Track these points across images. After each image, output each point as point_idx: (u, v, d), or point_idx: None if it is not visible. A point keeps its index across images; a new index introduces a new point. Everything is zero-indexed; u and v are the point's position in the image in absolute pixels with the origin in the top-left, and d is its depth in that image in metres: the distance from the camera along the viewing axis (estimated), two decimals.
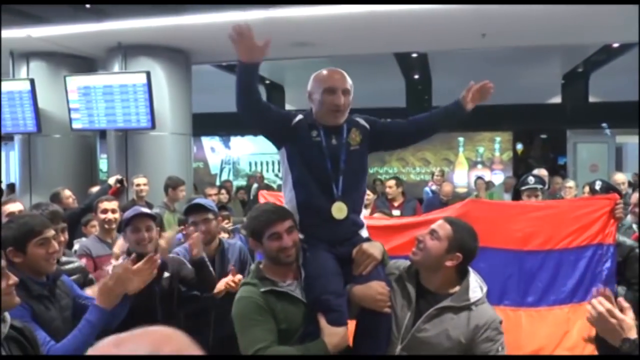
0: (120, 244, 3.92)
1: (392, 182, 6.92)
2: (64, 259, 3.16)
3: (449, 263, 2.35)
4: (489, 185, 10.79)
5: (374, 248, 2.48)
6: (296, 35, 6.79)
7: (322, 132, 2.51)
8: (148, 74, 6.80)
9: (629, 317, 1.86)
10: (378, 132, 2.62)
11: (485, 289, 2.41)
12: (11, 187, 9.53)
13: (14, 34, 6.65)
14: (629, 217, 4.19)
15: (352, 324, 2.48)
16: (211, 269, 3.38)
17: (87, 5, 7.21)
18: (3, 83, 7.42)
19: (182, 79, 7.58)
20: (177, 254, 3.56)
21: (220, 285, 3.35)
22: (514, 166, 14.71)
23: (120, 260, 3.34)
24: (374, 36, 6.84)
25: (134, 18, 6.39)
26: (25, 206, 4.62)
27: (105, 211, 4.28)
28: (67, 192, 6.18)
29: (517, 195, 9.51)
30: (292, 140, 2.51)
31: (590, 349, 2.86)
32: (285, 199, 2.59)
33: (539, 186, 4.74)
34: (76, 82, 7.10)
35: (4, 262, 2.01)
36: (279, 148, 2.58)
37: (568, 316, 3.15)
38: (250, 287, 2.38)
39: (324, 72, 2.54)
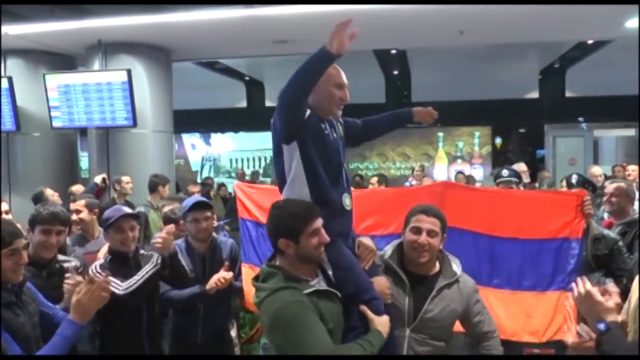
0: (104, 250, 3.99)
1: (374, 180, 6.98)
2: (61, 257, 3.19)
3: (441, 246, 2.70)
4: (469, 179, 10.91)
5: (370, 242, 2.63)
6: (276, 33, 6.84)
7: (328, 126, 2.55)
8: (129, 71, 6.79)
9: (610, 302, 1.94)
10: (350, 124, 2.78)
11: (456, 258, 2.76)
12: None
13: None
14: (602, 208, 4.34)
15: None
16: (184, 263, 3.43)
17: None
18: None
19: (162, 76, 7.58)
20: (177, 246, 3.60)
21: (212, 282, 3.43)
22: (493, 160, 14.89)
23: (102, 260, 3.38)
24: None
25: (114, 16, 6.37)
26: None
27: (78, 211, 4.35)
28: (50, 191, 6.19)
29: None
30: (306, 134, 2.45)
31: (550, 335, 3.24)
32: (293, 194, 2.47)
33: (514, 179, 4.88)
34: (56, 80, 7.06)
35: None
36: (288, 142, 2.45)
37: (531, 302, 3.32)
38: (291, 291, 2.21)
39: (338, 68, 2.58)
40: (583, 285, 1.97)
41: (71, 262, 3.27)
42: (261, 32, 6.79)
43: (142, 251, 3.46)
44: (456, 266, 2.71)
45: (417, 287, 2.62)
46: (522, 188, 5.03)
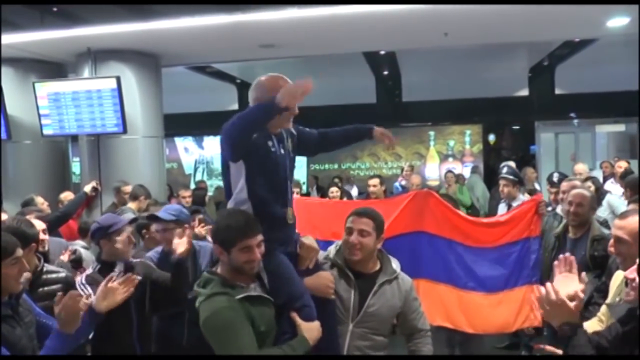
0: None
1: (375, 181, 6.82)
2: (49, 267, 3.22)
3: (378, 246, 2.86)
4: (459, 178, 10.98)
5: (312, 241, 2.74)
6: (263, 38, 6.89)
7: (275, 141, 2.60)
8: (118, 78, 6.83)
9: (572, 303, 1.95)
10: (300, 139, 2.81)
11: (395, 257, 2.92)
12: None
13: None
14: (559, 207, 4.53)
15: None
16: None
17: (55, 9, 7.21)
18: None
19: (152, 82, 7.62)
20: (151, 259, 3.68)
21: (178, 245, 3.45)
22: (485, 157, 14.98)
23: (89, 270, 3.40)
24: (339, 37, 6.97)
25: (102, 24, 6.42)
26: None
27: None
28: (40, 199, 6.26)
29: (490, 183, 9.78)
30: (253, 153, 2.52)
31: (519, 324, 3.76)
32: (237, 206, 2.57)
33: (511, 177, 5.09)
34: (46, 88, 7.10)
35: None
36: (235, 161, 2.55)
37: (502, 299, 3.76)
38: (223, 297, 2.30)
39: (274, 81, 2.60)
40: (545, 288, 2.01)
41: (60, 273, 3.29)
42: (248, 37, 6.84)
43: (130, 258, 3.52)
44: (395, 265, 2.87)
45: (359, 283, 2.78)
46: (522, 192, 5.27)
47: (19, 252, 2.43)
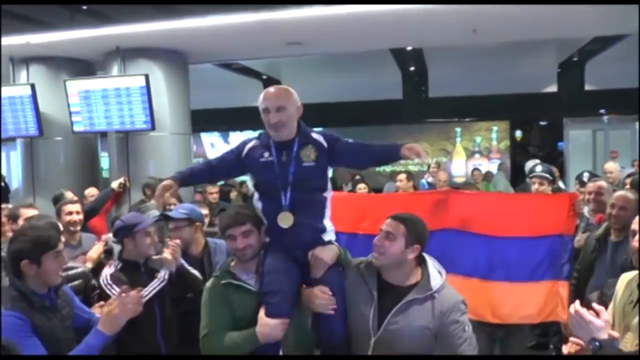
0: (96, 249, 4.10)
1: (402, 176, 6.76)
2: (67, 264, 3.24)
3: (410, 256, 2.58)
4: (487, 175, 10.88)
5: (326, 252, 2.69)
6: (290, 35, 6.91)
7: (274, 150, 2.73)
8: (146, 76, 6.91)
9: (599, 320, 2.00)
10: (337, 151, 2.76)
11: (444, 273, 2.63)
12: None
13: (13, 40, 6.77)
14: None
15: None
16: (194, 271, 3.48)
17: (84, 7, 7.31)
18: (4, 88, 7.55)
19: (180, 79, 7.70)
20: None
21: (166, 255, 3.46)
22: (512, 154, 14.82)
23: (112, 269, 3.41)
24: (366, 35, 6.95)
25: (131, 22, 6.50)
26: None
27: (70, 213, 4.47)
28: (70, 194, 6.35)
29: (516, 181, 9.66)
30: (248, 168, 2.81)
31: (543, 317, 3.69)
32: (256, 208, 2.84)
33: (545, 175, 5.01)
34: (76, 86, 7.21)
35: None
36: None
37: (527, 290, 3.69)
38: (214, 280, 2.75)
39: (263, 92, 2.76)
40: (573, 307, 2.03)
41: (78, 269, 3.38)
42: (275, 35, 6.86)
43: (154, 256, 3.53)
44: (436, 282, 2.57)
45: (386, 296, 2.58)
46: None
47: (60, 245, 2.54)
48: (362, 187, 7.01)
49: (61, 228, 3.41)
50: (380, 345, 2.54)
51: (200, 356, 3.38)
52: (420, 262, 2.66)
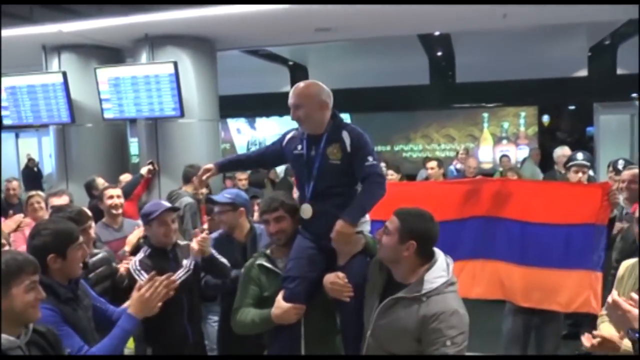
0: (136, 234, 4.19)
1: (433, 163, 6.80)
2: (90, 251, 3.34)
3: (405, 253, 2.48)
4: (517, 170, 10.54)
5: (350, 242, 2.76)
6: (319, 22, 6.88)
7: (305, 143, 2.91)
8: (175, 64, 6.97)
9: (637, 310, 2.00)
10: (353, 157, 2.81)
11: (445, 279, 2.46)
12: None
13: (46, 29, 6.88)
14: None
15: None
16: (222, 259, 3.55)
17: None
18: (37, 76, 7.70)
19: (208, 66, 7.74)
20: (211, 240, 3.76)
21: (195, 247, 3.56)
22: (540, 140, 14.62)
23: (141, 255, 3.54)
24: (394, 20, 6.90)
25: (160, 10, 6.54)
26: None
27: (111, 197, 4.64)
28: (101, 180, 6.51)
29: (545, 168, 9.50)
30: (286, 157, 3.08)
31: (575, 307, 3.69)
32: None
33: (586, 163, 4.95)
34: (106, 73, 7.31)
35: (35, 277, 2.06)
36: None
37: (558, 278, 3.71)
38: (252, 260, 3.02)
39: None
40: (611, 297, 2.05)
41: (100, 255, 3.46)
42: (304, 21, 6.85)
43: (179, 241, 3.65)
44: (429, 285, 2.44)
45: (388, 292, 2.54)
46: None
47: (81, 238, 2.61)
48: (391, 174, 6.97)
49: (89, 214, 3.47)
50: (371, 340, 2.56)
51: (201, 356, 3.53)
52: (429, 261, 2.52)
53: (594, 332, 2.49)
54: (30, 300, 2.03)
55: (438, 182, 5.83)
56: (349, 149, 2.79)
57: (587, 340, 2.46)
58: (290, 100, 2.86)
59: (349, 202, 2.80)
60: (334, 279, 2.72)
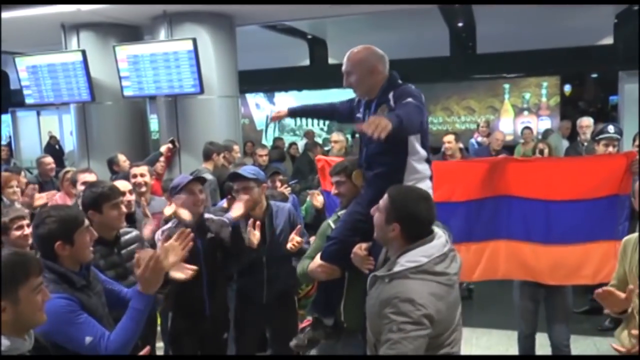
0: (170, 208, 4.22)
1: (450, 137, 6.49)
2: (122, 230, 3.35)
3: (391, 234, 2.35)
4: (546, 133, 10.20)
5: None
6: None
7: (362, 108, 2.99)
8: (194, 40, 6.92)
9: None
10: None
11: (415, 264, 2.28)
12: None
13: (64, 8, 6.85)
14: None
15: None
16: (244, 235, 3.58)
17: None
18: (57, 55, 7.71)
19: (227, 42, 7.68)
20: (225, 220, 3.74)
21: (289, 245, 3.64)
22: (562, 110, 14.38)
23: (169, 225, 3.61)
24: None
25: None
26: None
27: (135, 176, 4.68)
28: (123, 157, 6.57)
29: (570, 139, 9.27)
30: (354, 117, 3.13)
31: (601, 277, 3.64)
32: None
33: (617, 136, 4.84)
34: (125, 51, 7.28)
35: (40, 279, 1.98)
36: None
37: (584, 251, 3.76)
38: (330, 220, 3.21)
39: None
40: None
41: (132, 232, 3.47)
42: None
43: (208, 215, 3.69)
44: (398, 267, 2.29)
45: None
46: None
47: (87, 221, 2.55)
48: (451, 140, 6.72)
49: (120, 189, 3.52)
50: (367, 319, 2.49)
51: (205, 356, 3.58)
52: (418, 244, 2.34)
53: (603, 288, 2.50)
54: (39, 303, 1.93)
55: (460, 161, 5.75)
56: (393, 105, 2.71)
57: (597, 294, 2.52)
58: (343, 66, 2.89)
59: (395, 174, 2.73)
60: (357, 250, 2.80)
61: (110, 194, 3.11)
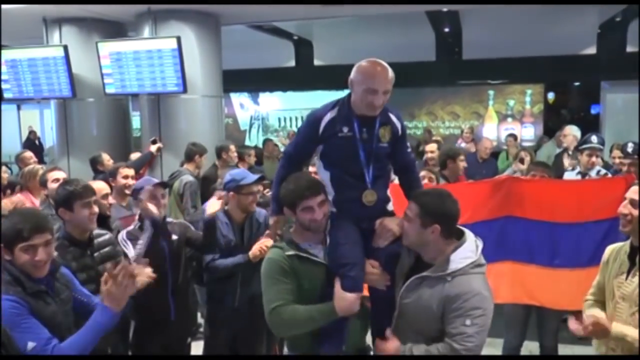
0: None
1: (433, 147, 6.48)
2: (95, 231, 3.28)
3: (431, 236, 2.45)
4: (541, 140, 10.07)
5: (394, 222, 2.61)
6: None
7: (356, 125, 2.61)
8: (178, 39, 6.84)
9: None
10: (400, 141, 2.72)
11: (471, 260, 2.44)
12: None
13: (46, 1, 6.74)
14: None
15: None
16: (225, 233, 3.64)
17: None
18: (38, 49, 7.56)
19: (212, 41, 7.61)
20: (217, 217, 3.79)
21: (255, 250, 3.61)
22: (545, 118, 14.49)
23: (132, 226, 3.59)
24: None
25: None
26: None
27: (125, 177, 4.68)
28: (107, 156, 6.47)
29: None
30: (324, 141, 2.68)
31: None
32: (319, 176, 2.75)
33: (600, 146, 4.84)
34: (108, 47, 7.18)
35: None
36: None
37: (589, 275, 3.50)
38: (277, 250, 2.63)
39: (370, 67, 2.57)
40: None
41: (105, 235, 3.39)
42: None
43: (169, 219, 3.71)
44: (455, 265, 2.44)
45: (416, 272, 2.52)
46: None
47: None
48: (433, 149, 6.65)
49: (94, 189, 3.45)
50: (400, 321, 2.55)
51: (199, 356, 3.49)
52: (456, 240, 2.51)
53: (585, 314, 2.50)
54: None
55: (465, 184, 5.68)
56: (400, 132, 2.70)
57: (574, 324, 2.48)
58: (382, 85, 2.52)
59: (387, 181, 2.77)
60: (370, 269, 2.60)
61: (83, 193, 3.05)
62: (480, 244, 2.52)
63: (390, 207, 2.77)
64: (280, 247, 2.64)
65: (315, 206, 2.57)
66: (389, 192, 2.78)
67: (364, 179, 2.65)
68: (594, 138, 4.86)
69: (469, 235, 2.55)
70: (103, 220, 3.86)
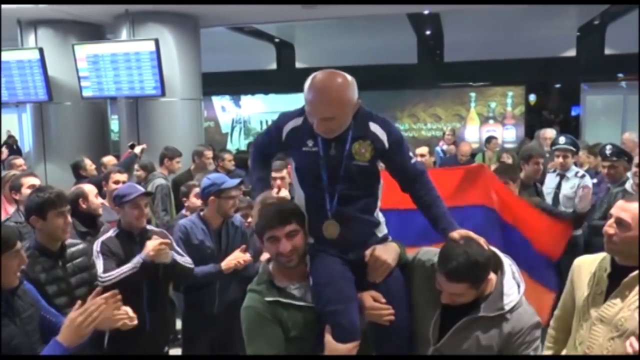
0: None
1: (424, 150, 6.22)
2: (69, 241, 3.15)
3: (474, 291, 2.14)
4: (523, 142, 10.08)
5: (388, 252, 2.23)
6: None
7: (321, 141, 2.19)
8: (156, 41, 6.76)
9: None
10: (392, 155, 2.25)
11: (522, 286, 2.20)
12: None
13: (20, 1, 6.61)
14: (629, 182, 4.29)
15: None
16: (183, 261, 3.46)
17: None
18: (12, 52, 7.42)
19: (190, 44, 7.54)
20: (184, 226, 3.70)
21: (230, 263, 3.58)
22: (526, 119, 14.58)
23: (107, 236, 3.45)
24: None
25: None
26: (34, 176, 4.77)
27: (117, 182, 4.61)
28: (89, 162, 6.35)
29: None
30: (289, 151, 2.33)
31: None
32: (296, 195, 2.38)
33: (568, 147, 4.82)
34: (85, 50, 7.08)
35: None
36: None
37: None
38: (255, 296, 2.22)
39: (311, 90, 2.10)
40: None
41: (79, 245, 3.24)
42: None
43: (149, 227, 3.61)
44: (510, 299, 2.16)
45: (449, 309, 2.19)
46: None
47: (19, 244, 2.25)
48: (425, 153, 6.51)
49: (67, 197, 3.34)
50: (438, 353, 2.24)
51: (204, 356, 3.37)
52: (497, 267, 2.20)
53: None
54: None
55: (439, 169, 5.54)
56: (386, 145, 2.19)
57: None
58: (319, 112, 2.08)
59: (372, 203, 2.28)
60: (371, 303, 2.20)
61: (57, 201, 2.89)
62: (513, 264, 2.26)
63: (381, 232, 2.31)
64: (258, 291, 2.22)
65: (283, 237, 2.13)
66: (377, 214, 2.32)
67: (325, 205, 2.21)
68: (561, 139, 4.87)
69: (504, 259, 2.26)
70: (92, 220, 3.91)
